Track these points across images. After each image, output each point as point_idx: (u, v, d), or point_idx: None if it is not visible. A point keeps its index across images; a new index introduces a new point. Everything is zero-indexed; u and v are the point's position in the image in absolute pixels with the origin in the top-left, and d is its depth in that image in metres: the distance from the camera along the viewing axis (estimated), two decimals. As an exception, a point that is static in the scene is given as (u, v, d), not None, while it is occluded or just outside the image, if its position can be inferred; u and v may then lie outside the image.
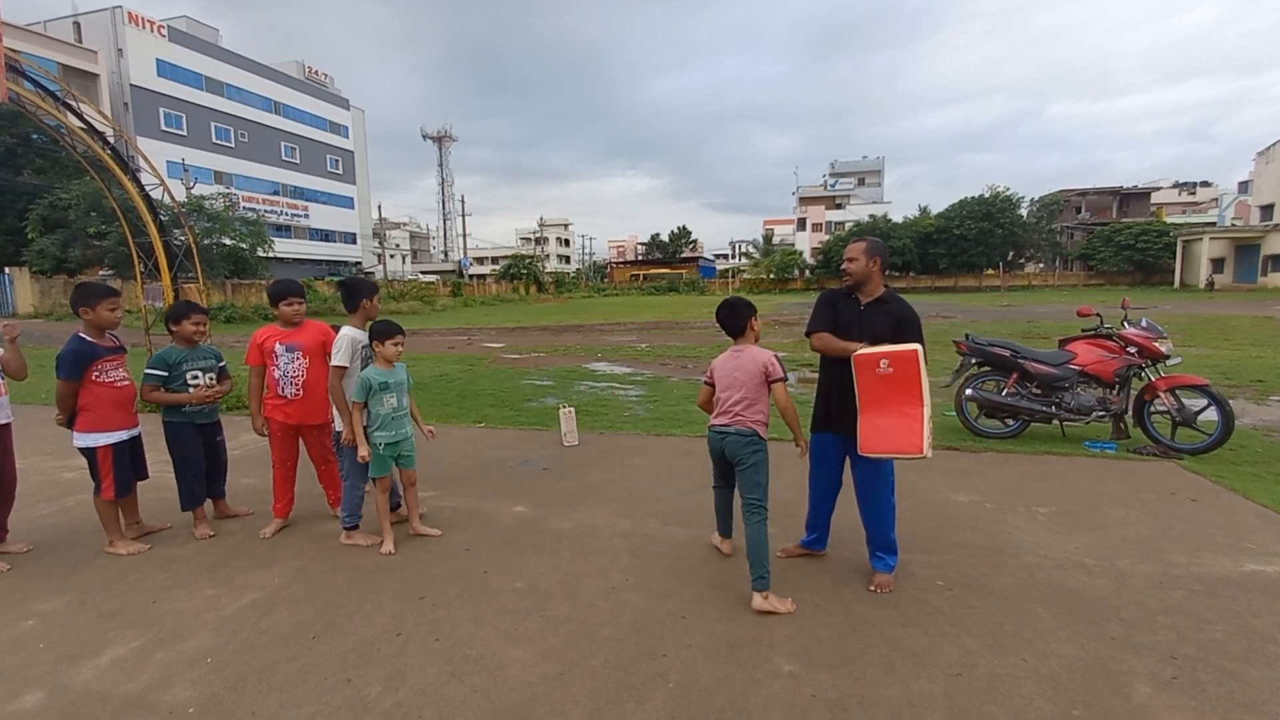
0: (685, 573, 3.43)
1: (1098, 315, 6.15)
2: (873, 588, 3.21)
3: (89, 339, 3.72)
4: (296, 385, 4.03)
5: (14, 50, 6.28)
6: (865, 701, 2.37)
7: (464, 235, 64.37)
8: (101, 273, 29.29)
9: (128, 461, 3.86)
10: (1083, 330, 6.27)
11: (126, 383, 3.86)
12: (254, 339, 4.11)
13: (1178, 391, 5.62)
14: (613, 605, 3.10)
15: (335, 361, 3.75)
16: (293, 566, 3.59)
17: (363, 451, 3.67)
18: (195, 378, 4.04)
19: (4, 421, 3.80)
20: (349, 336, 3.83)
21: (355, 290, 3.93)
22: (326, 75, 56.06)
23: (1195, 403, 5.60)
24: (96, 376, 3.70)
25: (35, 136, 31.81)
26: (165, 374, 3.96)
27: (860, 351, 3.13)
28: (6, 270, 29.99)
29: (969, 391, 6.20)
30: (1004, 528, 3.98)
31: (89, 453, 3.74)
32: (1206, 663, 2.57)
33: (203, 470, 4.13)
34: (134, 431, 3.91)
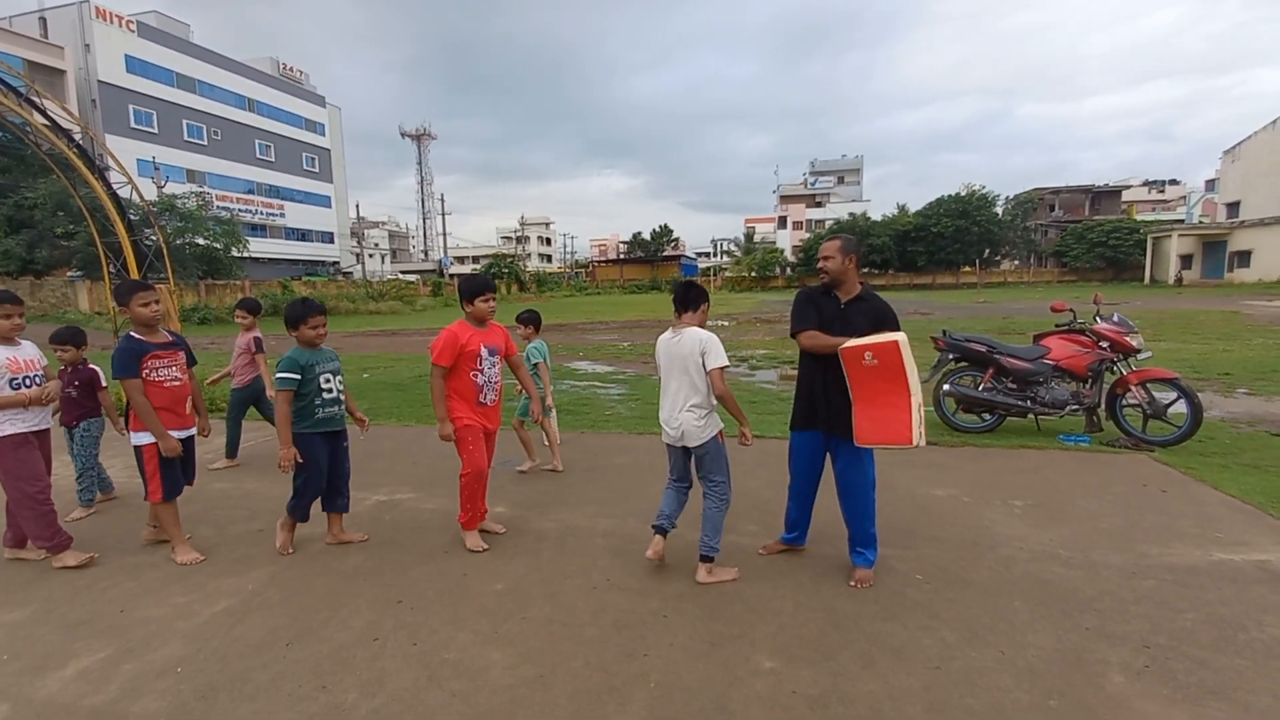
0: (667, 572, 3.42)
1: (1071, 311, 6.25)
2: (853, 583, 3.22)
3: (137, 335, 3.59)
4: (496, 390, 3.90)
5: (-28, 44, 6.10)
6: (846, 697, 2.38)
7: (444, 234, 63.82)
8: (69, 274, 28.59)
9: (177, 463, 3.70)
10: (1056, 326, 6.37)
11: (178, 382, 3.70)
12: (454, 338, 3.70)
13: (1148, 385, 5.73)
14: (594, 605, 3.08)
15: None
16: (267, 572, 3.52)
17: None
18: (327, 380, 3.71)
19: (44, 427, 3.74)
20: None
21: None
22: (301, 72, 55.16)
23: (1165, 396, 5.72)
24: (147, 375, 3.56)
25: (-1, 134, 30.95)
26: (299, 377, 3.59)
27: (846, 345, 3.14)
28: (-31, 272, 29.15)
29: (946, 387, 6.28)
30: (981, 521, 4.02)
31: (137, 452, 3.62)
32: (1178, 651, 2.62)
33: (323, 488, 3.79)
34: (185, 432, 3.75)
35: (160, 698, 2.45)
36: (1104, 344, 5.90)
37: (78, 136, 7.58)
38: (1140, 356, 5.94)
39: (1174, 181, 71.39)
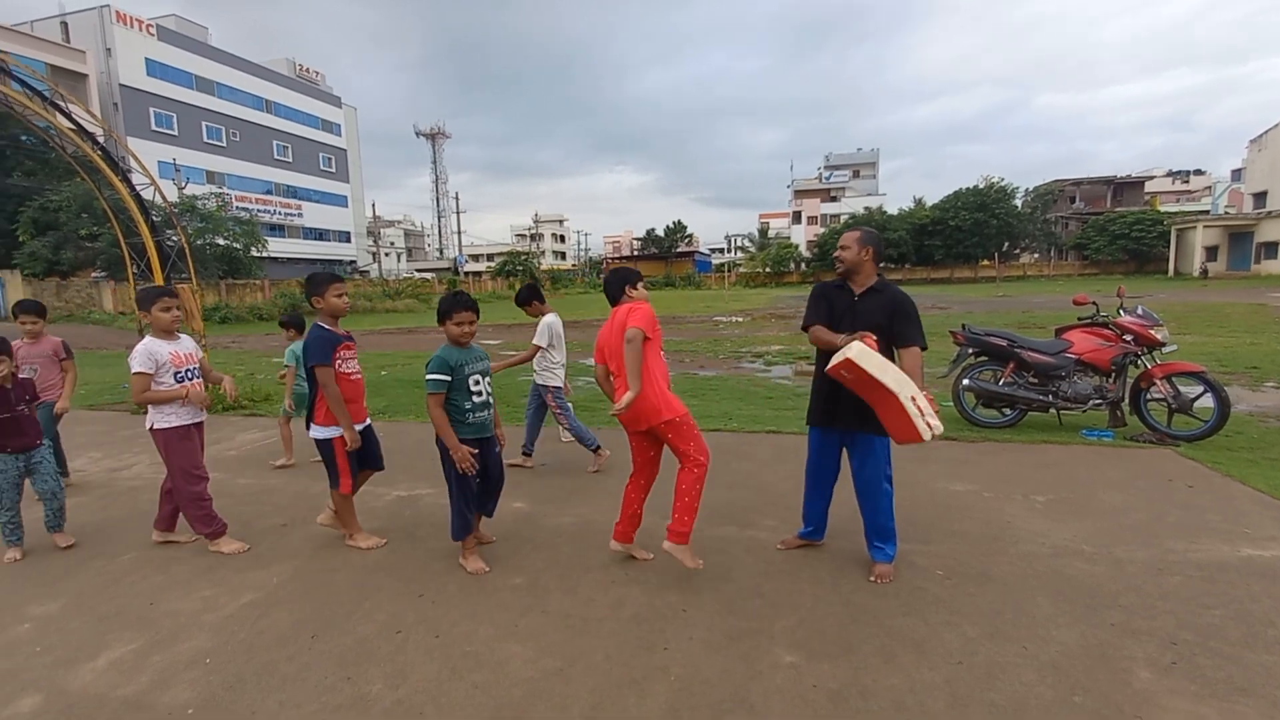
0: (684, 566, 3.42)
1: (1094, 304, 6.16)
2: (872, 578, 3.21)
3: (325, 326, 3.65)
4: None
5: (1, 51, 6.22)
6: (867, 691, 2.37)
7: (459, 232, 64.17)
8: (94, 274, 29.12)
9: (357, 455, 3.75)
10: (1079, 319, 6.28)
11: (359, 375, 3.79)
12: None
13: (1174, 379, 5.63)
14: (612, 600, 3.10)
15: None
16: (290, 566, 3.58)
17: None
18: (477, 383, 3.44)
19: (201, 419, 3.86)
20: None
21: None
22: (318, 73, 55.70)
23: (1191, 390, 5.62)
24: (338, 366, 3.61)
25: (24, 138, 31.48)
26: (449, 379, 3.34)
27: (829, 367, 3.05)
28: (-2, 273, 29.80)
29: (966, 381, 6.21)
30: (1002, 516, 3.98)
31: (325, 445, 3.68)
32: (1205, 647, 2.58)
33: (476, 494, 3.56)
34: (364, 424, 3.80)
35: (190, 688, 2.50)
36: (1128, 337, 5.80)
37: (102, 139, 7.71)
38: (1165, 350, 5.84)
39: (1199, 171, 69.92)
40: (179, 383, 3.68)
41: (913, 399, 2.91)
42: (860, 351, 2.91)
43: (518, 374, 10.56)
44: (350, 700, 2.40)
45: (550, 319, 5.21)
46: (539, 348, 5.13)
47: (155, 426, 3.70)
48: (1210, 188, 63.32)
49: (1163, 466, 4.88)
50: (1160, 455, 5.18)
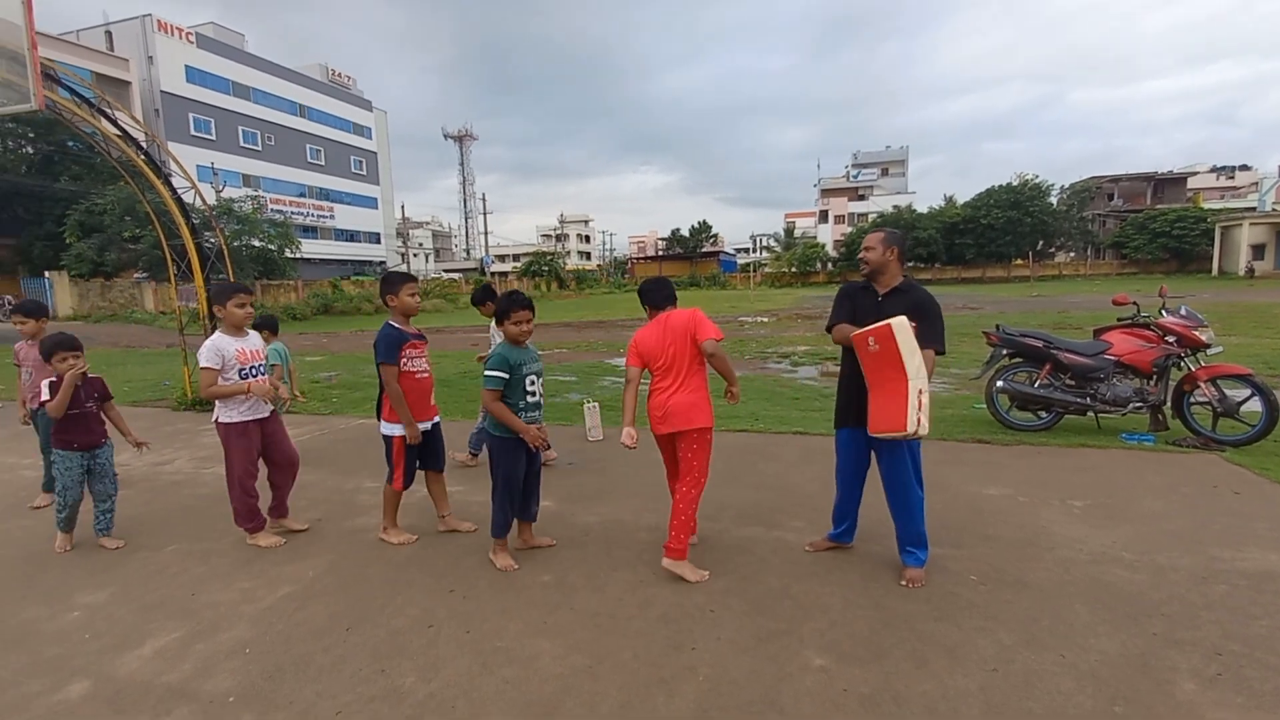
0: (711, 566, 3.41)
1: (1134, 304, 5.98)
2: (904, 582, 3.16)
3: (396, 324, 3.73)
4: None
5: (49, 59, 6.46)
6: (899, 696, 2.34)
7: (485, 233, 64.84)
8: (136, 275, 30.06)
9: (415, 454, 3.82)
10: (1118, 320, 6.11)
11: (426, 374, 3.84)
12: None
13: (1219, 381, 5.45)
14: (640, 599, 3.11)
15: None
16: (325, 560, 3.66)
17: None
18: (532, 383, 3.49)
19: (264, 415, 3.94)
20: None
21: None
22: (349, 77, 56.74)
23: (1238, 393, 5.43)
24: (402, 364, 3.68)
25: (71, 144, 32.72)
26: (507, 376, 3.37)
27: (855, 333, 3.12)
28: (46, 274, 30.95)
29: (1000, 383, 6.09)
30: (1038, 521, 3.90)
31: (387, 441, 3.79)
32: (1252, 658, 2.50)
33: (519, 498, 3.60)
34: (429, 423, 3.84)
35: (231, 677, 2.57)
36: (1170, 339, 5.63)
37: (145, 144, 7.96)
38: (1210, 352, 5.65)
39: (1244, 167, 67.45)
40: (242, 379, 3.79)
41: (920, 392, 2.92)
42: (901, 324, 2.93)
43: (545, 371, 10.65)
44: (384, 692, 2.44)
45: None
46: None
47: (219, 420, 3.84)
48: (1256, 184, 60.98)
49: (1207, 472, 4.73)
50: (1204, 460, 5.02)
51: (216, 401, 3.84)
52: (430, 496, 4.08)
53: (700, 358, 3.34)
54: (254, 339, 3.97)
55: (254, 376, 3.83)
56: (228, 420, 3.81)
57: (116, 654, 2.77)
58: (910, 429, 2.90)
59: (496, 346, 3.52)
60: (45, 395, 3.71)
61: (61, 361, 3.74)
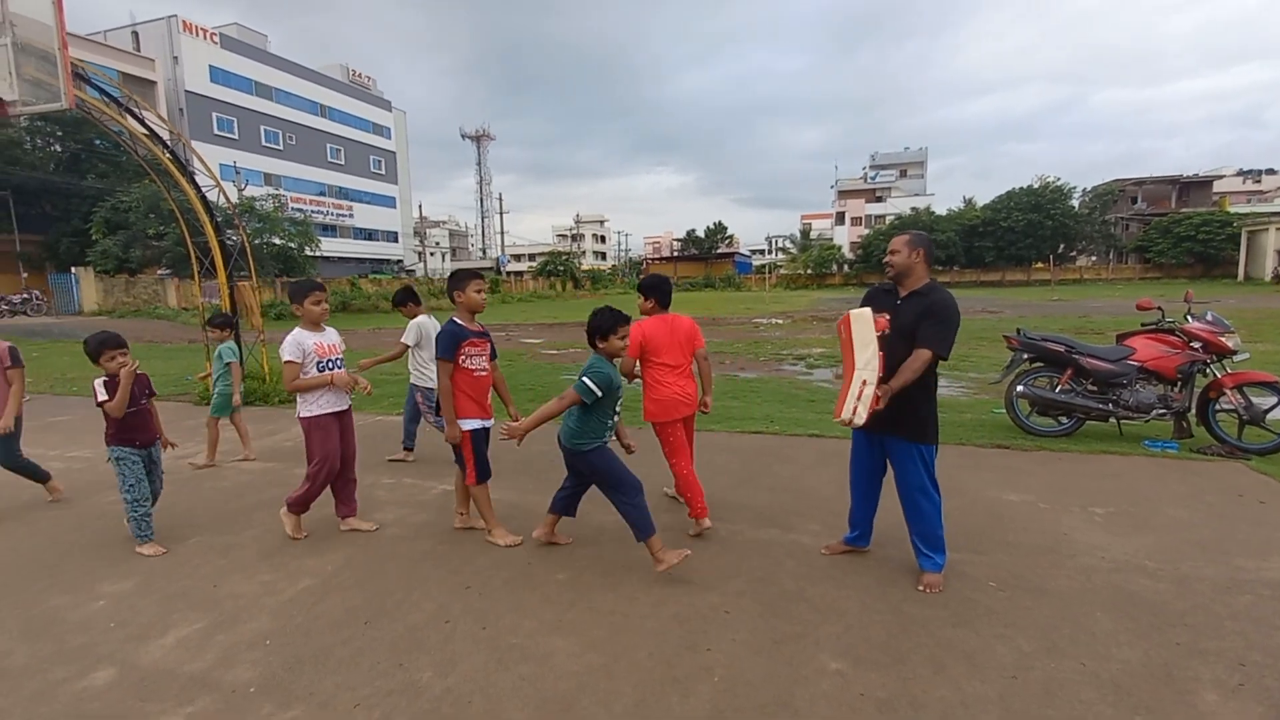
0: (726, 567, 3.41)
1: (1159, 309, 5.88)
2: (921, 587, 3.14)
3: (459, 321, 3.75)
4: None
5: (78, 59, 6.59)
6: (916, 702, 2.32)
7: (501, 232, 65.16)
8: (159, 272, 30.56)
9: (485, 447, 3.84)
10: (1142, 325, 6.01)
11: (485, 372, 3.83)
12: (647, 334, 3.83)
13: (1245, 389, 5.35)
14: (655, 598, 3.11)
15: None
16: (344, 555, 3.70)
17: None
18: (618, 400, 3.45)
19: (344, 408, 4.01)
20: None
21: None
22: (369, 78, 57.26)
23: (1264, 400, 5.33)
24: (463, 361, 3.70)
25: (98, 142, 33.37)
26: (603, 395, 3.25)
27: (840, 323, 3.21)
28: (73, 270, 31.55)
29: (1020, 388, 6.01)
30: (1059, 528, 3.85)
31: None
32: (1276, 670, 2.46)
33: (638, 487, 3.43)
34: (487, 423, 3.84)
35: (252, 667, 2.61)
36: (1196, 344, 5.53)
37: (170, 143, 8.09)
38: (1236, 358, 5.54)
39: (1272, 170, 66.02)
40: (321, 372, 3.85)
41: (864, 383, 2.96)
42: (858, 315, 3.07)
43: (560, 370, 10.68)
44: (402, 686, 2.47)
45: (421, 319, 5.35)
46: (406, 346, 5.31)
47: (301, 414, 3.90)
48: (1286, 188, 59.75)
49: (1232, 480, 4.64)
50: (1229, 469, 4.92)
51: (298, 397, 3.89)
52: (455, 493, 4.11)
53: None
54: (331, 334, 4.02)
55: (330, 370, 3.89)
56: (309, 414, 3.87)
57: (140, 643, 2.82)
58: (844, 416, 2.97)
59: (597, 362, 3.30)
60: (103, 395, 3.71)
61: (110, 360, 3.75)
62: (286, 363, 3.78)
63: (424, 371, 5.22)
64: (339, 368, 3.94)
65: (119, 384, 3.70)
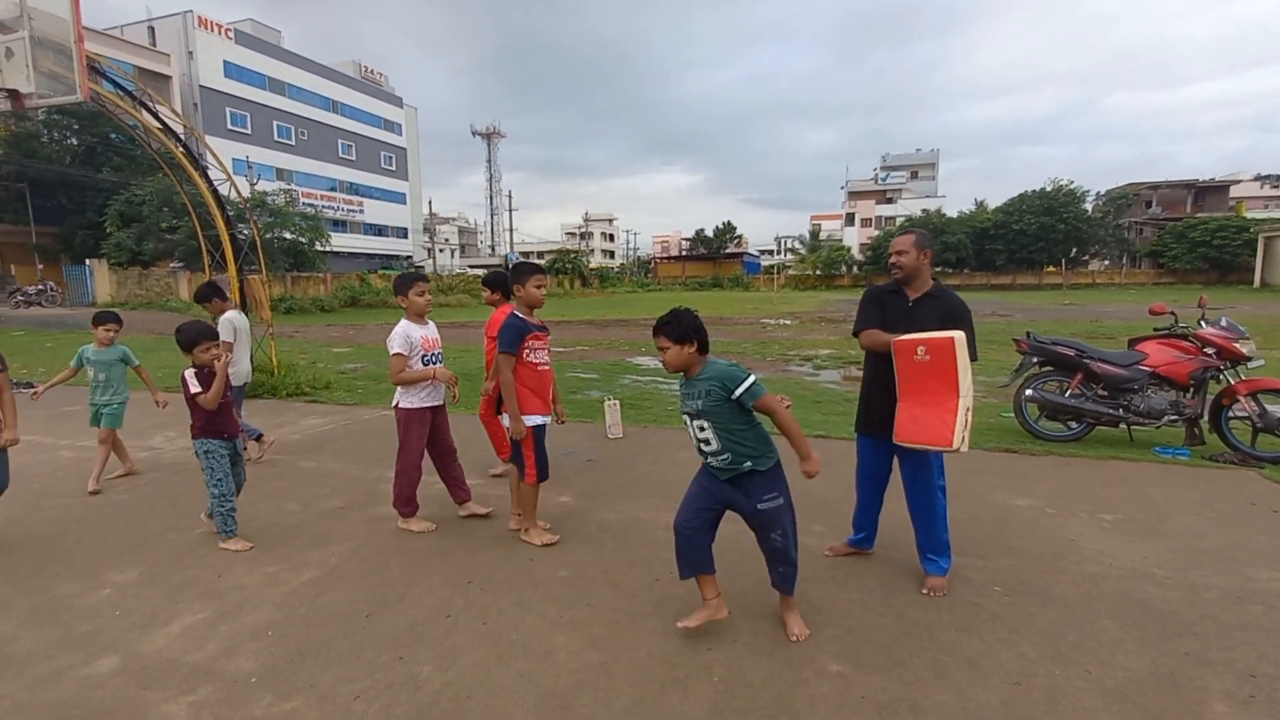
0: (729, 568, 3.38)
1: (1172, 314, 5.82)
2: (925, 591, 3.11)
3: (520, 315, 3.71)
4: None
5: (94, 53, 6.64)
6: (918, 706, 2.30)
7: (511, 230, 65.29)
8: (172, 264, 30.81)
9: (544, 444, 3.77)
10: (1155, 330, 5.95)
11: (547, 367, 3.77)
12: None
13: (1259, 396, 5.28)
14: (657, 597, 3.10)
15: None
16: (347, 547, 3.71)
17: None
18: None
19: (440, 403, 4.01)
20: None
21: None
22: (381, 74, 57.50)
23: (1278, 408, 5.25)
24: (526, 355, 3.66)
25: (113, 136, 33.67)
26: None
27: (900, 338, 3.05)
28: (87, 262, 31.86)
29: (1029, 392, 5.96)
30: (1066, 534, 3.81)
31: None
32: (1290, 683, 2.41)
33: None
34: (545, 419, 3.78)
35: (254, 658, 2.62)
36: (1209, 350, 5.47)
37: (184, 137, 8.15)
38: (1251, 365, 5.48)
39: (1290, 176, 65.18)
40: (425, 365, 3.86)
41: (968, 410, 2.88)
42: (962, 340, 2.90)
43: (566, 368, 10.68)
44: (402, 679, 2.47)
45: (231, 314, 5.17)
46: (229, 344, 5.03)
47: (399, 405, 3.89)
48: (1304, 193, 58.92)
49: (1245, 489, 4.58)
50: (1242, 477, 4.86)
51: (398, 387, 3.88)
52: (511, 494, 4.01)
53: None
54: (433, 328, 4.02)
55: (433, 364, 3.89)
56: (408, 406, 3.87)
57: (145, 631, 2.84)
58: (955, 445, 2.87)
59: (731, 367, 2.83)
60: (196, 387, 3.67)
61: (205, 352, 3.73)
62: (395, 355, 3.75)
63: (233, 367, 4.70)
64: (440, 362, 3.95)
65: (212, 375, 3.68)
